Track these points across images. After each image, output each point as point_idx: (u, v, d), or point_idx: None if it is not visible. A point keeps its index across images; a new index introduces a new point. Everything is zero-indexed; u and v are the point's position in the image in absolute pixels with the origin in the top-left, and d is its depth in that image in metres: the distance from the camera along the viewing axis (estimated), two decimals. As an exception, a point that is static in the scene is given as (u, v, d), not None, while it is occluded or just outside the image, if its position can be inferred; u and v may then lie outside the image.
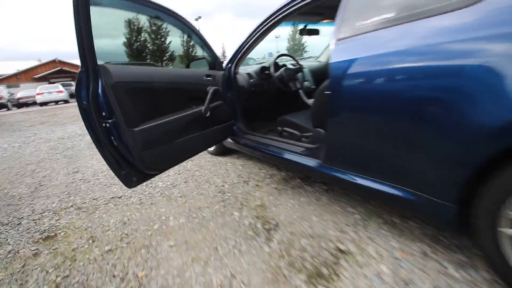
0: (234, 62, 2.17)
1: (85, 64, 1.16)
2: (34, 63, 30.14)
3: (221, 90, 1.99)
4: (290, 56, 2.36)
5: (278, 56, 2.21)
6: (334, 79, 1.22)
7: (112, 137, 1.26)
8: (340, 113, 1.26)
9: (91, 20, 1.12)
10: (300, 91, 2.41)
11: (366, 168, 1.23)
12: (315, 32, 2.33)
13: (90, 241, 1.43)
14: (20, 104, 16.66)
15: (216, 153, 2.74)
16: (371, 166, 1.22)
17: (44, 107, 14.03)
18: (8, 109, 15.91)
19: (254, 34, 1.97)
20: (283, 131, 2.00)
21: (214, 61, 2.08)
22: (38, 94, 15.48)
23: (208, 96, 1.79)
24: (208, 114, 1.76)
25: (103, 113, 1.22)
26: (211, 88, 1.84)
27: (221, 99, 2.02)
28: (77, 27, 1.10)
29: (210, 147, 1.99)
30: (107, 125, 1.23)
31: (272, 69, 2.12)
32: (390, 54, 1.02)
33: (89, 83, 1.19)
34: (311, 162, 1.54)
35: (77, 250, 1.36)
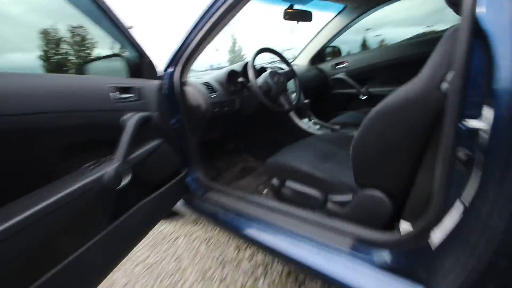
0: (180, 65, 1.19)
1: None
2: None
3: (158, 117, 0.99)
4: (276, 53, 1.44)
5: (259, 52, 1.28)
6: None
7: None
8: None
9: None
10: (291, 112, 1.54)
11: None
12: (306, 16, 1.50)
13: None
14: None
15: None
16: None
17: None
18: None
19: (213, 13, 1.03)
20: (282, 186, 1.08)
21: (139, 62, 1.06)
22: None
23: (125, 137, 0.78)
24: (127, 180, 0.75)
25: None
26: (131, 117, 0.84)
27: (160, 135, 1.02)
28: None
29: (141, 240, 0.98)
30: None
31: (251, 74, 1.18)
32: None
33: None
34: None
35: None
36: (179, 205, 1.28)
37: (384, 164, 0.76)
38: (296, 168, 1.01)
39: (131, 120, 0.83)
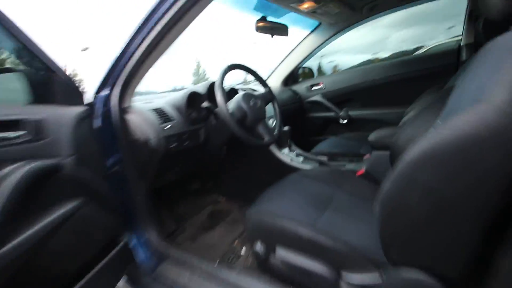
0: (118, 86, 0.84)
1: None
2: None
3: (75, 165, 0.63)
4: (249, 71, 1.11)
5: (229, 69, 0.96)
6: None
7: None
8: None
9: None
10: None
11: None
12: (282, 30, 1.27)
13: None
14: None
15: None
16: None
17: None
18: None
19: (160, 16, 0.73)
20: (270, 254, 0.75)
21: (48, 81, 0.70)
22: None
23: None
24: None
25: None
26: (11, 173, 0.47)
27: (78, 192, 0.65)
28: None
29: None
30: None
31: (220, 97, 0.87)
32: None
33: None
34: None
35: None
36: (121, 284, 0.89)
37: (436, 235, 0.49)
38: (290, 231, 0.70)
39: (11, 178, 0.47)
